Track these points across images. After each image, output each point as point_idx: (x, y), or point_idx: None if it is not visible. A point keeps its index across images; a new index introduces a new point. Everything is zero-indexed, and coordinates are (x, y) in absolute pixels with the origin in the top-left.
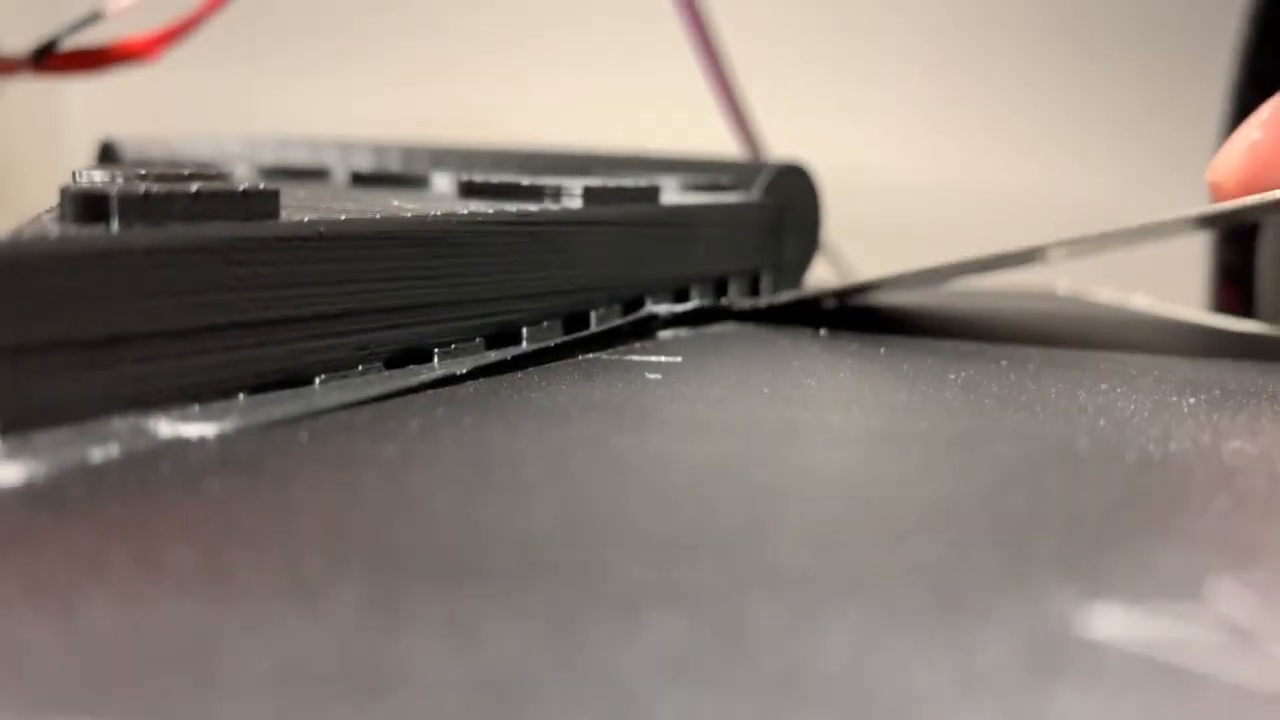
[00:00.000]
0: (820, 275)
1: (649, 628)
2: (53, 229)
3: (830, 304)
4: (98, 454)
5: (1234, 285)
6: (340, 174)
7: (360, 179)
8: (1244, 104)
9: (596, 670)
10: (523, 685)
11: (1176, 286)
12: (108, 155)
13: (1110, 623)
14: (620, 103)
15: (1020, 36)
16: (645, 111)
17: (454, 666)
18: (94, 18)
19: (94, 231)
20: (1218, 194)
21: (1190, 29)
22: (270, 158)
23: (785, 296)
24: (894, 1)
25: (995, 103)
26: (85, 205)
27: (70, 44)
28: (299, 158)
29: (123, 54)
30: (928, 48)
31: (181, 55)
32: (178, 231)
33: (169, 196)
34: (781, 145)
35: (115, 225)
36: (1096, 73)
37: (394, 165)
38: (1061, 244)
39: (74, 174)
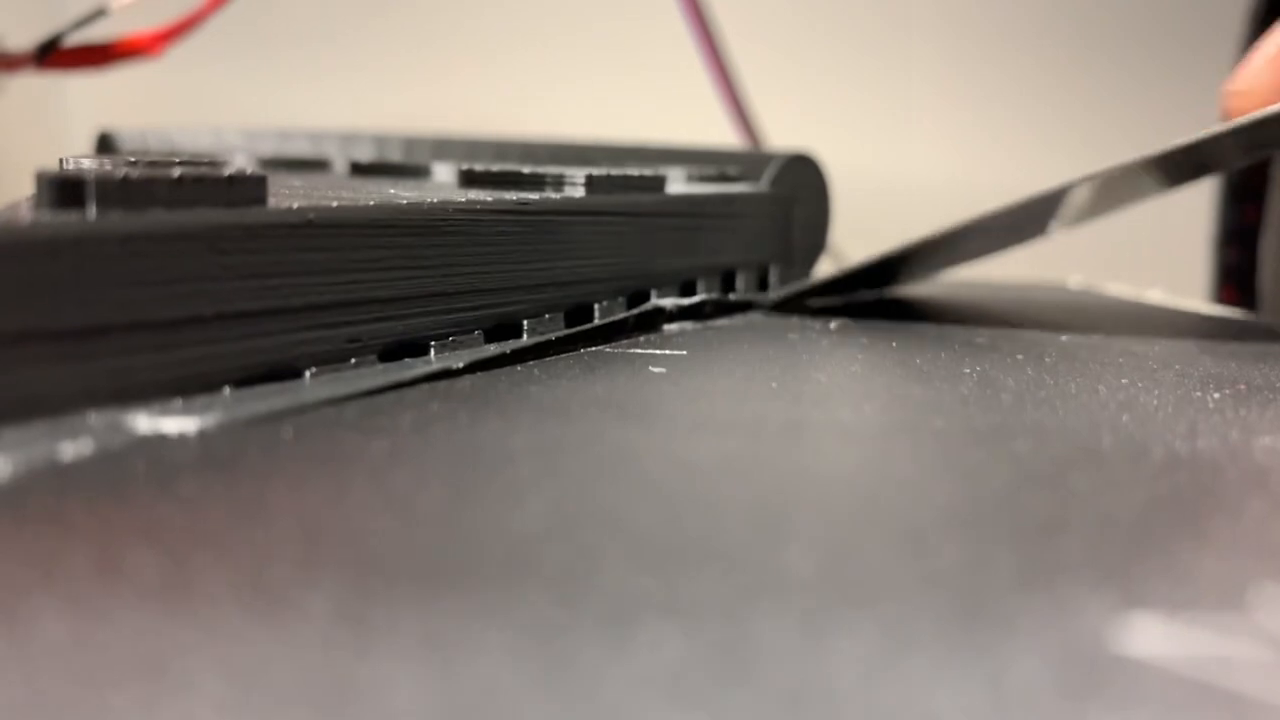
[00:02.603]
0: (826, 272)
1: (643, 643)
2: (26, 214)
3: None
4: (69, 450)
5: (1235, 285)
6: (340, 165)
7: (360, 169)
8: None
9: (582, 692)
10: (500, 709)
11: (1177, 286)
12: (105, 146)
13: (1148, 638)
14: (623, 98)
15: (1027, 35)
16: (648, 108)
17: (425, 688)
18: (97, 14)
19: (69, 217)
20: (1236, 105)
21: (1194, 29)
22: (270, 149)
23: (795, 288)
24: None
25: (1000, 101)
26: (61, 190)
27: (74, 40)
28: (299, 149)
29: (126, 50)
30: (933, 45)
31: (184, 52)
32: (158, 218)
33: (150, 181)
34: (784, 143)
35: (93, 211)
36: (1104, 71)
37: (395, 156)
38: (1082, 181)
39: (61, 161)
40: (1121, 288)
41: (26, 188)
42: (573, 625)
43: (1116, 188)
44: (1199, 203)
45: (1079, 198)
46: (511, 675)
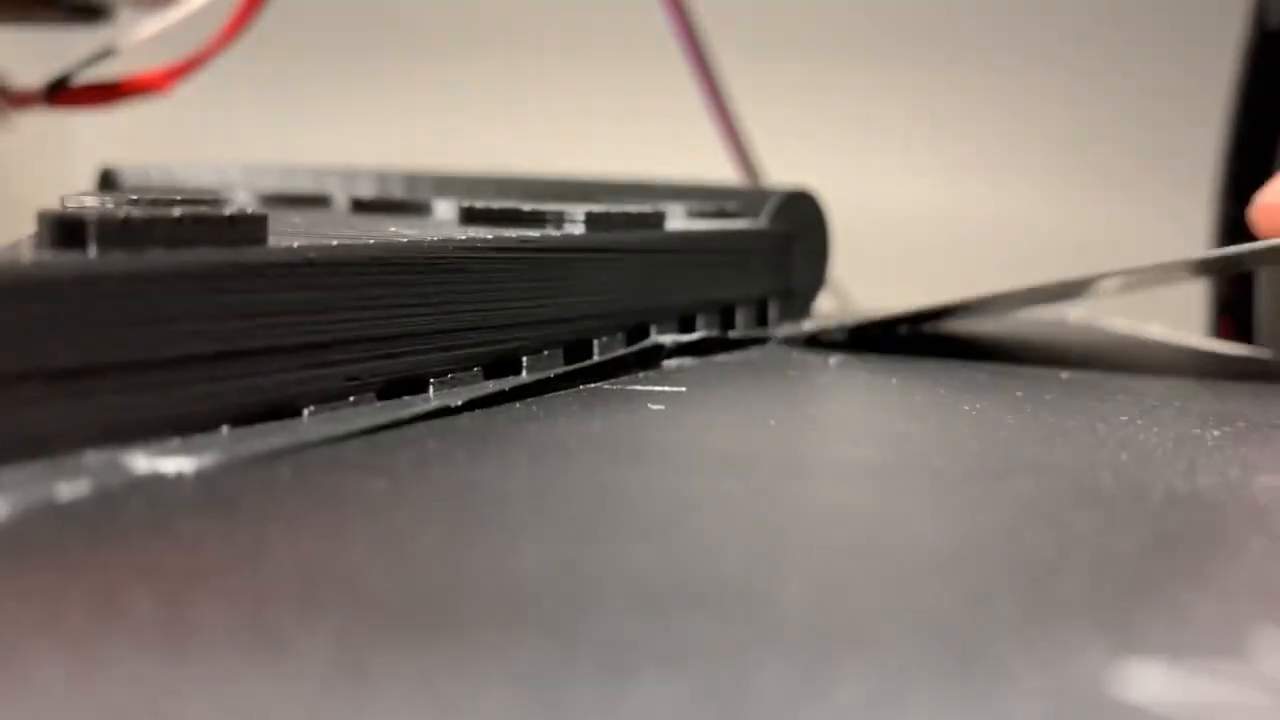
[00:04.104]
0: (824, 308)
1: (641, 692)
2: (27, 254)
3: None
4: (66, 491)
5: (1232, 318)
6: (341, 202)
7: (361, 206)
8: (1241, 136)
9: None
10: None
11: (1175, 318)
12: (107, 182)
13: (1148, 684)
14: (622, 135)
15: (1023, 65)
16: (647, 144)
17: None
18: (107, 53)
19: (70, 257)
20: (1265, 222)
21: (1190, 60)
22: (272, 185)
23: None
24: (897, 34)
25: (996, 132)
26: (63, 230)
27: (83, 78)
28: (301, 185)
29: (134, 88)
30: (930, 79)
31: (192, 89)
32: (159, 257)
33: (150, 221)
34: (784, 178)
35: (93, 251)
36: (1101, 102)
37: (397, 192)
38: (1113, 275)
39: (62, 200)
40: (1122, 321)
41: (32, 221)
42: (569, 671)
43: (1149, 278)
44: (1196, 235)
45: (1110, 284)
46: None
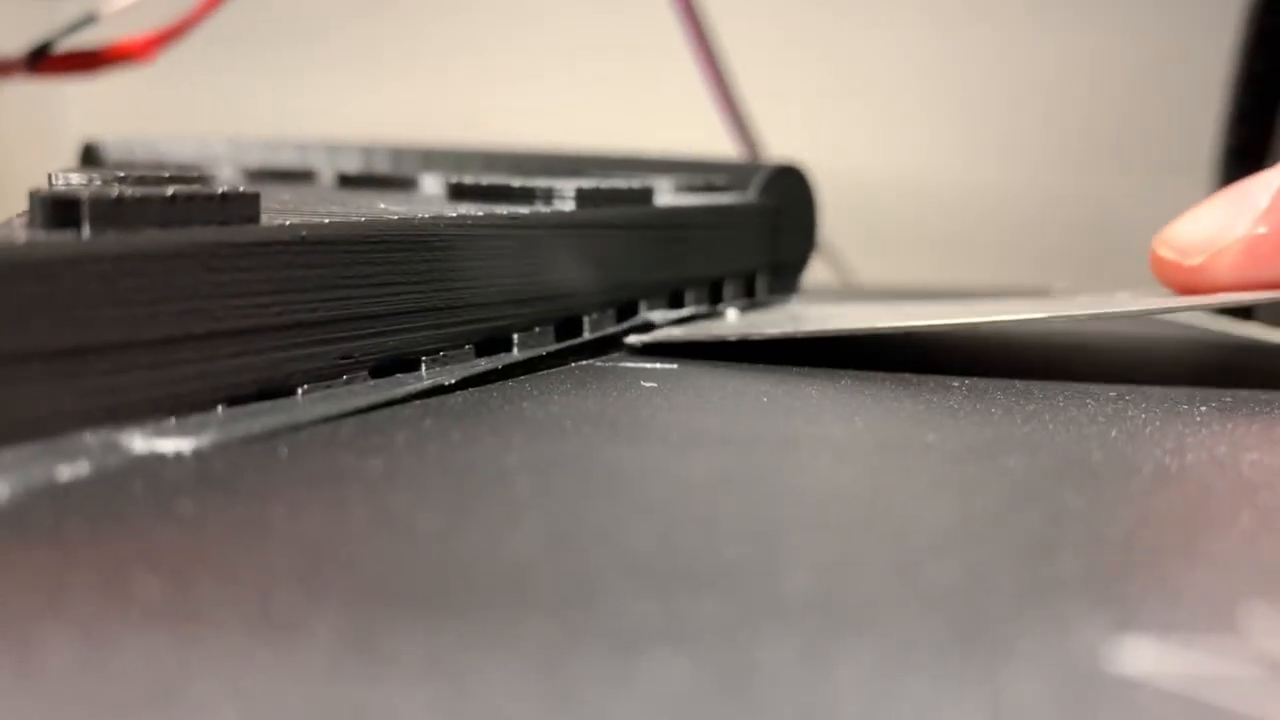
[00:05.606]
0: (817, 277)
1: (647, 669)
2: (20, 235)
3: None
4: (66, 472)
5: None
6: (327, 176)
7: (348, 181)
8: (1242, 105)
9: (589, 717)
10: None
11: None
12: (91, 157)
13: (1143, 658)
14: (615, 104)
15: (1017, 37)
16: (641, 113)
17: (434, 713)
18: (89, 20)
19: (64, 238)
20: (1198, 277)
21: (1189, 30)
22: (256, 159)
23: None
24: (891, 2)
25: (991, 104)
26: (56, 210)
27: (65, 46)
28: (286, 159)
29: (117, 56)
30: (925, 49)
31: (176, 57)
32: (152, 237)
33: (143, 200)
34: (779, 146)
35: (87, 231)
36: (1095, 74)
37: (382, 167)
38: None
39: (50, 177)
40: (1123, 295)
41: (19, 193)
42: (575, 650)
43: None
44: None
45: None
46: (517, 701)
